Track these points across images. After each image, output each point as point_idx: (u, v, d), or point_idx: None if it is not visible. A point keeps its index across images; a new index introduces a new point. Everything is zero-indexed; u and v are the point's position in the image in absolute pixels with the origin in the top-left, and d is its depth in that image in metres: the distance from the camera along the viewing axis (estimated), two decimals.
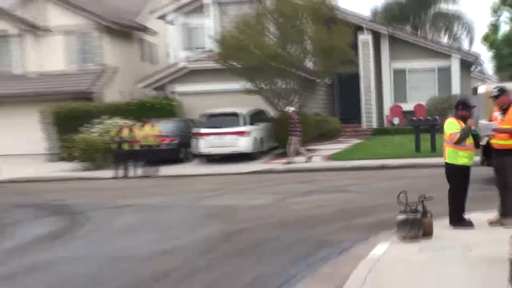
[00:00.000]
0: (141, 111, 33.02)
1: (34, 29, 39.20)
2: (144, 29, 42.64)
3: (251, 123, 31.12)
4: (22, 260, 11.90)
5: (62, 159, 33.47)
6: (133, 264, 10.98)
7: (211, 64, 34.42)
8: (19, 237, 14.36)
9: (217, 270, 10.26)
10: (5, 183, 28.03)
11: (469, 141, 11.68)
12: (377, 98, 37.95)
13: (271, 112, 32.87)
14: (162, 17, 40.89)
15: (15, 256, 12.26)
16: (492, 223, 11.62)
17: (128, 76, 39.17)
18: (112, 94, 37.54)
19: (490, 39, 30.85)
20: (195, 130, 30.98)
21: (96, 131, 31.52)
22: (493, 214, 11.84)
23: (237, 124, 30.35)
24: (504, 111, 11.54)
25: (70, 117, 34.01)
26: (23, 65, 39.36)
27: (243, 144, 30.15)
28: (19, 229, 15.48)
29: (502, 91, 11.99)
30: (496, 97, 11.92)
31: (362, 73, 37.40)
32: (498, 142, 11.63)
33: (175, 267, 10.53)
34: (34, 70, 39.03)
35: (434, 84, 37.46)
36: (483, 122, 12.38)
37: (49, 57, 39.10)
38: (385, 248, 10.34)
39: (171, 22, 40.30)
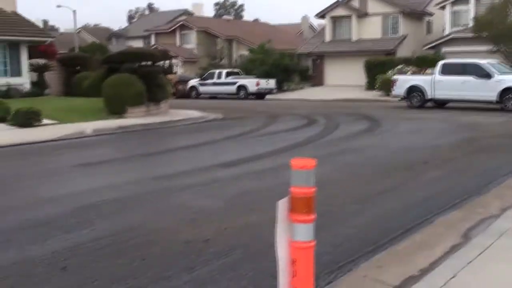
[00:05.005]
0: (420, 62, 32.62)
1: (359, 13, 41.25)
2: (425, 13, 41.99)
3: None
4: (346, 144, 11.68)
5: (372, 88, 33.82)
6: (411, 151, 10.42)
7: (467, 34, 32.95)
8: (344, 132, 14.05)
9: (462, 160, 9.51)
10: (334, 101, 29.28)
11: None
12: None
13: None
14: (439, 5, 41.24)
15: (343, 142, 12.01)
16: None
17: (413, 41, 40.12)
18: (403, 52, 37.56)
19: None
20: None
21: (390, 73, 32.06)
22: None
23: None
24: None
25: (377, 64, 34.79)
26: (352, 34, 41.69)
27: None
28: (344, 127, 15.21)
29: None
30: None
31: None
32: None
33: (436, 156, 9.83)
34: (357, 37, 40.85)
35: None
36: None
37: (367, 29, 40.85)
38: None
39: (443, 8, 40.39)
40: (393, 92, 24.13)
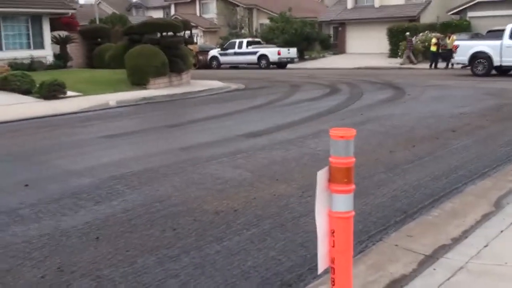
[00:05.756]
0: (445, 28, 32.20)
1: None
2: None
3: None
4: (371, 113, 11.45)
5: (395, 56, 33.47)
6: (437, 120, 10.18)
7: None
8: (368, 100, 13.85)
9: (491, 128, 9.27)
10: (356, 69, 28.88)
11: None
12: None
13: None
14: None
15: (367, 111, 11.78)
16: None
17: (438, 6, 39.24)
18: (427, 18, 36.71)
19: None
20: None
21: (416, 40, 31.67)
22: None
23: None
24: None
25: (401, 31, 34.04)
26: (375, 1, 40.51)
27: None
28: (368, 95, 15.01)
29: None
30: None
31: None
32: None
33: (463, 124, 9.64)
34: (380, 3, 39.96)
35: None
36: None
37: None
38: None
39: None
40: (454, 59, 22.72)
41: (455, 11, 36.79)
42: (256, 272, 3.81)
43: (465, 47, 21.70)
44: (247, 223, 4.78)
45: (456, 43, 22.89)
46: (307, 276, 3.70)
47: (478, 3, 35.18)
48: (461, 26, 33.84)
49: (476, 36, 31.39)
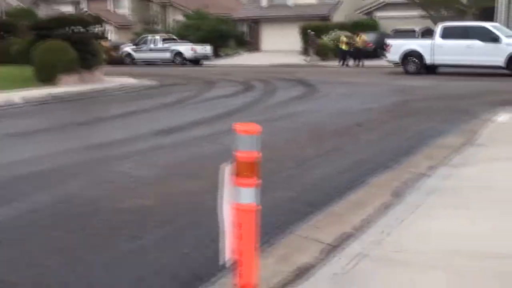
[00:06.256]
0: (355, 27, 33.02)
1: None
2: None
3: (423, 36, 30.40)
4: (283, 110, 11.79)
5: (307, 54, 34.12)
6: (347, 115, 10.73)
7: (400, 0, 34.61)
8: (281, 97, 14.25)
9: (395, 123, 9.87)
10: (270, 67, 29.51)
11: None
12: None
13: None
14: None
15: (280, 108, 12.18)
16: None
17: (348, 6, 40.66)
18: (338, 17, 38.21)
19: None
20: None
21: (327, 38, 33.10)
22: None
23: (414, 37, 29.51)
24: None
25: (312, 30, 34.44)
26: None
27: None
28: (281, 92, 15.40)
29: None
30: None
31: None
32: None
33: (371, 119, 10.27)
34: (293, 2, 41.08)
35: None
36: None
37: None
38: (506, 117, 9.49)
39: None
40: (387, 58, 22.70)
41: (363, 10, 38.31)
42: (169, 269, 3.81)
43: (397, 46, 22.00)
44: (160, 221, 4.76)
45: (388, 41, 23.03)
46: (218, 270, 3.74)
47: (385, 4, 36.86)
48: (369, 26, 35.25)
49: (382, 35, 32.90)
